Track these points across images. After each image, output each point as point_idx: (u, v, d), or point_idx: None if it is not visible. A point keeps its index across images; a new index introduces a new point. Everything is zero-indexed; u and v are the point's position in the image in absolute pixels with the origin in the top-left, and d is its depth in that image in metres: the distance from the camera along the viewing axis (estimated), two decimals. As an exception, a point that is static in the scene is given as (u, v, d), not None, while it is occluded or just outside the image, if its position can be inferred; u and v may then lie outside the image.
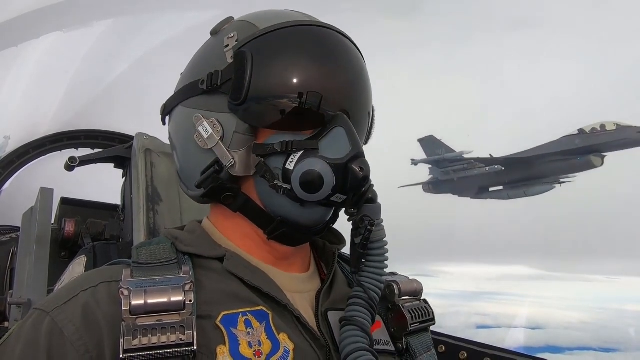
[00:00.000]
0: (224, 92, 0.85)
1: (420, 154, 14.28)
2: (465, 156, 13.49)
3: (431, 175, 14.44)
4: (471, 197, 13.96)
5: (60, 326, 0.74)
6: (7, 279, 3.06)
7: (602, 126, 12.09)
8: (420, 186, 14.51)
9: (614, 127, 11.90)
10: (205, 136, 0.86)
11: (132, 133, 2.42)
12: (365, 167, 0.81)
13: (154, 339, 0.71)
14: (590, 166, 12.23)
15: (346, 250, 1.00)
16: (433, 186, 14.32)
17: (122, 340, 0.71)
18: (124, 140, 3.57)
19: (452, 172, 13.71)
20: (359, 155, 0.82)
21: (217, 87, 0.85)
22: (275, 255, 0.91)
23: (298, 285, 0.91)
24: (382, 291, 0.89)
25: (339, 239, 1.00)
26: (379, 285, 0.87)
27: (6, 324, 2.77)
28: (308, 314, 0.87)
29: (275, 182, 0.83)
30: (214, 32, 0.93)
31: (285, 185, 0.82)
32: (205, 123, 0.86)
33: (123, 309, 0.73)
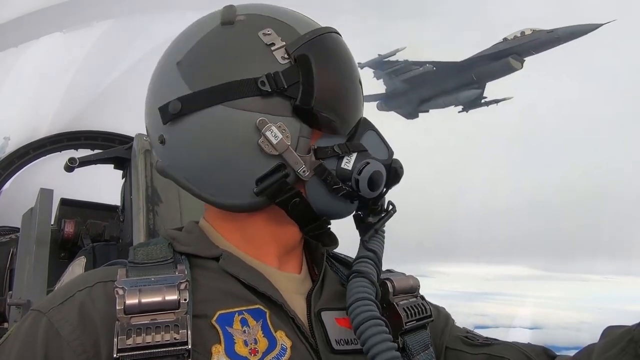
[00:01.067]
0: (287, 96, 0.84)
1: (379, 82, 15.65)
2: (400, 53, 15.05)
3: (384, 90, 15.83)
4: (415, 107, 15.93)
5: (57, 326, 0.75)
6: (6, 279, 3.06)
7: (522, 33, 14.06)
8: (375, 104, 15.91)
9: (531, 32, 13.95)
10: (275, 141, 0.83)
11: (132, 134, 2.43)
12: (402, 167, 0.92)
13: (148, 338, 0.71)
14: (511, 69, 14.17)
15: (340, 250, 1.03)
16: (385, 102, 15.90)
17: (115, 339, 0.71)
18: (124, 141, 3.56)
19: (393, 77, 15.24)
20: (394, 157, 0.92)
21: (283, 90, 0.84)
22: (271, 256, 0.92)
23: (295, 286, 0.92)
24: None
25: (332, 240, 1.00)
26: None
27: (6, 324, 2.78)
28: (303, 315, 0.88)
29: (340, 185, 0.86)
30: (228, 22, 0.89)
31: (346, 186, 0.86)
32: (273, 128, 0.83)
33: (117, 308, 0.73)
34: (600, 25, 12.84)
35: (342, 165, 0.86)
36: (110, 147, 3.20)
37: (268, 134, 0.82)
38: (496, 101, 15.19)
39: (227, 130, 0.84)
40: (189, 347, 0.72)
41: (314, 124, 0.86)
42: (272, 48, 0.85)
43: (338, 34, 0.94)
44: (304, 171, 0.85)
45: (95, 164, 2.33)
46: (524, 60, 14.08)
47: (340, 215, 0.92)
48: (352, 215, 0.94)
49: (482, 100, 15.30)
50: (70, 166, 2.21)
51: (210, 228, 0.94)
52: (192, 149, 0.87)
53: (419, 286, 1.02)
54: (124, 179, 2.30)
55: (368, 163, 0.86)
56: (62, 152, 4.04)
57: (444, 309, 1.08)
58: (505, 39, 14.22)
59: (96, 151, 3.38)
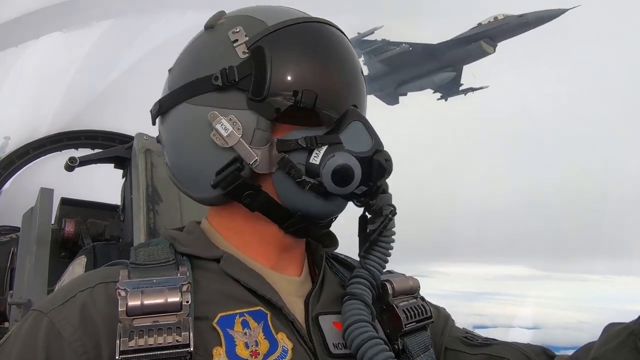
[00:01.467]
0: (241, 88, 0.84)
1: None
2: (377, 32, 15.60)
3: (366, 72, 16.55)
4: (393, 89, 16.56)
5: (58, 327, 0.74)
6: (7, 279, 3.06)
7: (496, 18, 14.65)
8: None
9: (503, 17, 14.58)
10: (225, 134, 0.83)
11: (132, 133, 2.43)
12: (390, 160, 0.85)
13: (150, 340, 0.71)
14: (483, 53, 14.79)
15: (340, 250, 1.02)
16: (366, 84, 16.93)
17: (118, 341, 0.71)
18: (124, 140, 3.55)
19: (372, 56, 15.66)
20: (381, 149, 0.85)
21: (235, 83, 0.84)
22: (272, 257, 0.91)
23: (294, 289, 0.91)
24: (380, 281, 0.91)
25: (332, 241, 1.00)
26: (381, 270, 0.90)
27: (6, 324, 2.78)
28: (302, 319, 0.87)
29: (303, 178, 0.83)
30: (210, 26, 0.91)
31: (313, 180, 0.83)
32: (223, 121, 0.83)
33: (120, 309, 0.73)
34: (566, 10, 13.41)
35: (311, 160, 0.83)
36: (111, 147, 3.19)
37: (218, 127, 0.83)
38: (472, 89, 15.62)
39: (189, 126, 0.87)
40: (191, 349, 0.72)
41: (271, 115, 0.84)
42: (235, 44, 0.86)
43: (328, 24, 0.91)
44: (256, 163, 0.83)
45: (96, 163, 2.33)
46: (496, 45, 14.64)
47: (319, 212, 0.87)
48: (358, 218, 0.91)
49: (460, 88, 15.70)
50: (70, 166, 2.22)
51: (211, 229, 0.94)
52: (170, 145, 0.92)
53: (419, 287, 1.01)
54: (124, 178, 2.30)
55: (333, 156, 0.82)
56: (62, 151, 4.04)
57: (444, 309, 1.08)
58: (479, 24, 14.74)
59: (96, 150, 3.38)
